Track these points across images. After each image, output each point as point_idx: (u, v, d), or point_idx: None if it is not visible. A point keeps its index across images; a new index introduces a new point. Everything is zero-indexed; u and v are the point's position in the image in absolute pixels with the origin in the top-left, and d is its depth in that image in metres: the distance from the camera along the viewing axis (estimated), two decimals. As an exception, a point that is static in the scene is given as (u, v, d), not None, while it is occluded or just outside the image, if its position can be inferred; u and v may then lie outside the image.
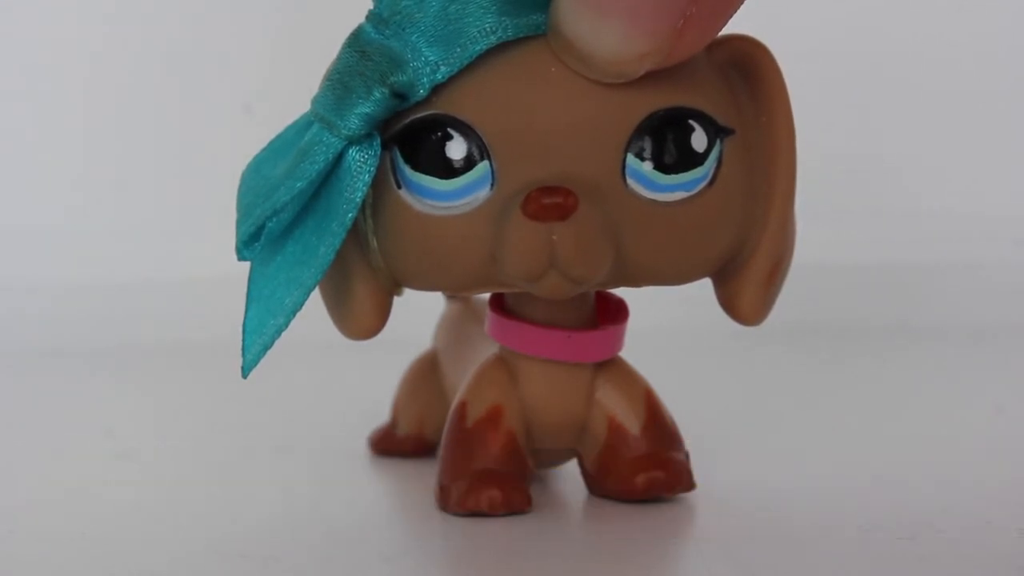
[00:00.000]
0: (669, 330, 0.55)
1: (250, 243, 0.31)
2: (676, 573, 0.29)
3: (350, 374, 0.47)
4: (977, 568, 0.28)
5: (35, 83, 0.72)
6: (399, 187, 0.30)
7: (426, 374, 0.40)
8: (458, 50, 0.29)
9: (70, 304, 0.66)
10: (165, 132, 0.72)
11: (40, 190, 0.71)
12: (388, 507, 0.36)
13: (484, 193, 0.29)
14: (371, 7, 0.29)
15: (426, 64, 0.29)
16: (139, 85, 0.72)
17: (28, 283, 0.67)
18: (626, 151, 0.29)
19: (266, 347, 0.30)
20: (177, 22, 0.72)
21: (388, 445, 0.40)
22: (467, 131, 0.29)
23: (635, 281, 0.30)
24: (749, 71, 0.31)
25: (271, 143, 0.31)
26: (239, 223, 0.31)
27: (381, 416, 0.41)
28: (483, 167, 0.29)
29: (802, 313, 0.65)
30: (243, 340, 0.31)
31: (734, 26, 0.30)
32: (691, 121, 0.29)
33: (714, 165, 0.29)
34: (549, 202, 0.28)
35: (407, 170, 0.29)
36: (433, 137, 0.29)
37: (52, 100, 0.72)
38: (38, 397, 0.53)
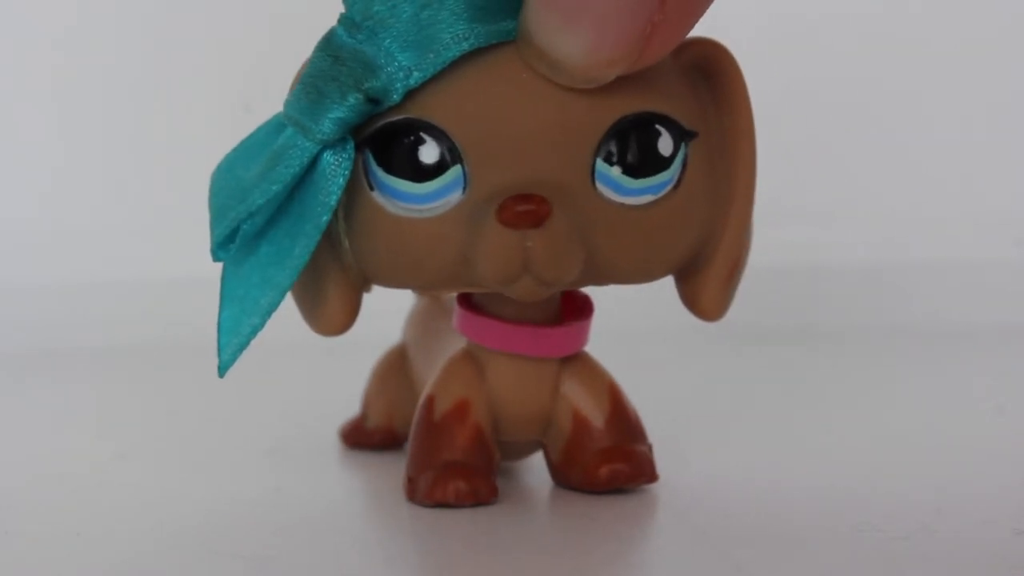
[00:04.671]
0: (636, 327, 0.56)
1: (225, 244, 0.31)
2: (638, 561, 0.29)
3: (338, 374, 0.47)
4: (972, 568, 0.28)
5: (32, 84, 0.72)
6: (372, 189, 0.30)
7: (395, 367, 0.41)
8: (431, 56, 0.29)
9: (66, 304, 0.67)
10: (165, 131, 0.72)
11: (38, 190, 0.72)
12: (363, 501, 0.36)
13: (456, 196, 0.30)
14: (343, 11, 0.30)
15: (399, 69, 0.29)
16: (138, 85, 0.72)
17: (24, 283, 0.67)
18: (595, 156, 0.29)
19: (242, 347, 0.31)
20: (177, 21, 0.72)
21: (358, 437, 0.41)
22: (439, 135, 0.29)
23: (602, 280, 0.31)
24: (711, 73, 0.31)
25: (242, 143, 0.32)
26: (213, 224, 0.31)
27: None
28: (455, 171, 0.29)
29: (796, 314, 0.66)
30: (219, 340, 0.31)
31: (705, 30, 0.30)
32: (658, 126, 0.30)
33: (680, 168, 0.30)
34: (523, 209, 0.29)
35: (380, 173, 0.30)
36: (406, 141, 0.30)
37: (50, 100, 0.72)
38: (31, 398, 0.53)
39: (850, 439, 0.41)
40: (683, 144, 0.30)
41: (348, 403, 0.42)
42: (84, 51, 0.72)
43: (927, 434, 0.42)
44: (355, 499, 0.36)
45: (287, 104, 0.30)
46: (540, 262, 0.29)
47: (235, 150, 0.32)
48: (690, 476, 0.35)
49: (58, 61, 0.72)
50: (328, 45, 0.30)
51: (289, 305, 0.32)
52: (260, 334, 0.31)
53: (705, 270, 0.32)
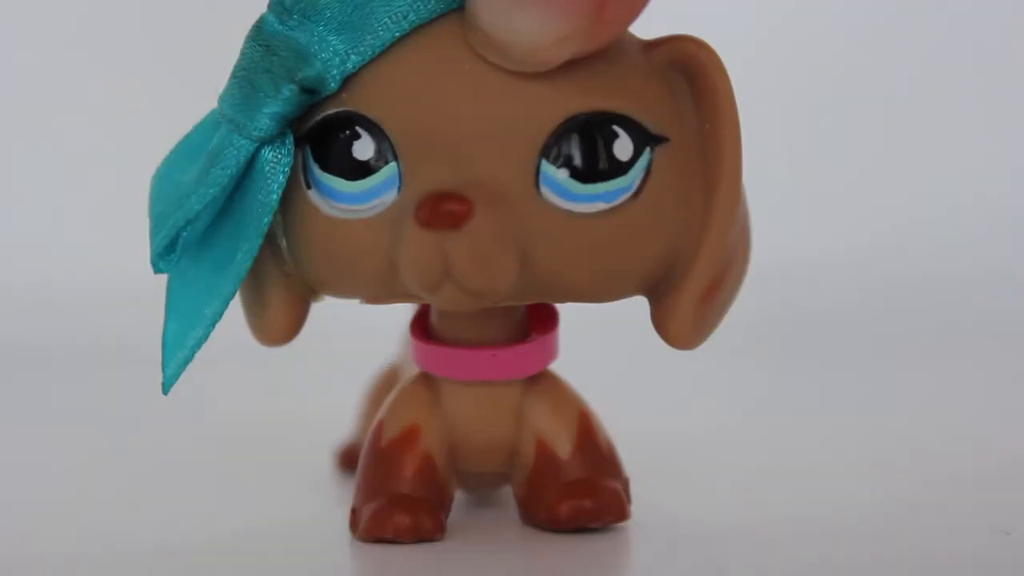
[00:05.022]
0: (615, 340, 0.52)
1: (165, 255, 0.30)
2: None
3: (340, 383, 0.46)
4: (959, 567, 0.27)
5: (33, 83, 0.72)
6: (308, 187, 0.28)
7: (387, 388, 0.37)
8: (369, 38, 0.27)
9: (68, 304, 0.66)
10: (166, 131, 0.71)
11: (38, 190, 0.71)
12: (307, 532, 0.33)
13: (391, 197, 0.28)
14: None
15: (335, 55, 0.27)
16: (140, 84, 0.72)
17: (26, 282, 0.66)
18: (540, 156, 0.27)
19: (187, 360, 0.29)
20: (177, 21, 0.72)
21: (352, 462, 0.38)
22: (375, 130, 0.27)
23: (552, 296, 0.29)
24: (692, 74, 0.28)
25: (178, 145, 0.30)
26: (152, 234, 0.30)
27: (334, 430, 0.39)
28: (390, 169, 0.27)
29: (795, 314, 0.64)
30: (163, 354, 0.30)
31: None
32: (615, 127, 0.27)
33: (640, 175, 0.27)
34: (441, 209, 0.26)
35: (316, 170, 0.28)
36: (341, 136, 0.28)
37: (49, 99, 0.72)
38: (25, 399, 0.52)
39: (846, 450, 0.40)
40: (647, 149, 0.27)
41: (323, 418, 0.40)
42: (85, 50, 0.72)
43: (928, 436, 0.41)
44: (300, 530, 0.33)
45: (221, 100, 0.29)
46: (460, 268, 0.26)
47: (172, 152, 0.31)
48: (668, 514, 0.32)
49: (59, 61, 0.72)
50: (259, 34, 0.28)
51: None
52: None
53: (675, 291, 0.29)
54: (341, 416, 0.40)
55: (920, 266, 0.68)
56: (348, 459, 0.38)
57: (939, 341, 0.60)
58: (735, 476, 0.37)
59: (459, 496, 0.32)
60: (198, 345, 0.29)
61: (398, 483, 0.30)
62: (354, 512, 0.30)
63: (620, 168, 0.27)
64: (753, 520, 0.32)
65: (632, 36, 0.28)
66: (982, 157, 0.72)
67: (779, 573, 0.28)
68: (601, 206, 0.27)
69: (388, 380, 0.38)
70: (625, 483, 0.31)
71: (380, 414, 0.31)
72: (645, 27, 0.28)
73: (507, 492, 0.33)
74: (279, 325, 0.30)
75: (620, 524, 0.30)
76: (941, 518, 0.32)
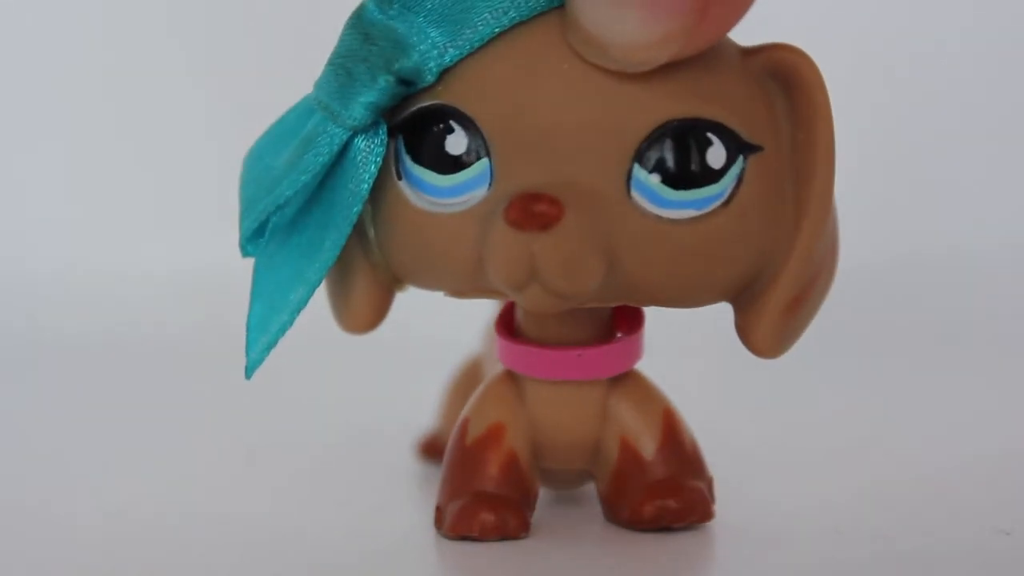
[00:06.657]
0: (697, 341, 0.52)
1: (254, 239, 0.30)
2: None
3: (391, 376, 0.45)
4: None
5: (38, 80, 0.72)
6: (400, 178, 0.28)
7: (469, 381, 0.38)
8: (468, 32, 0.27)
9: (88, 298, 0.65)
10: (169, 129, 0.72)
11: (43, 187, 0.71)
12: (393, 528, 0.33)
13: (481, 192, 0.28)
14: None
15: (433, 47, 0.27)
16: (145, 82, 0.72)
17: (42, 276, 0.66)
18: (633, 160, 0.27)
19: (270, 345, 0.30)
20: (184, 20, 0.72)
21: (434, 452, 0.38)
22: (469, 125, 0.27)
23: (636, 300, 0.28)
24: (789, 83, 0.28)
25: (272, 128, 0.31)
26: (242, 217, 0.30)
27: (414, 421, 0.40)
28: (482, 164, 0.27)
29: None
30: (247, 338, 0.30)
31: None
32: (710, 134, 0.27)
33: (732, 183, 0.27)
34: (531, 210, 0.26)
35: (408, 161, 0.28)
36: (435, 129, 0.28)
37: (55, 94, 0.72)
38: (51, 393, 0.51)
39: (843, 449, 0.39)
40: (740, 157, 0.27)
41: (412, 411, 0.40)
42: (95, 44, 0.72)
43: (933, 434, 0.41)
44: (384, 524, 0.33)
45: (317, 87, 0.29)
46: (547, 270, 0.26)
47: (264, 136, 0.31)
48: (753, 514, 0.32)
49: (59, 58, 0.72)
50: (359, 22, 0.28)
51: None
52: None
53: (761, 300, 0.28)
54: (421, 406, 0.40)
55: (927, 268, 0.68)
56: (429, 450, 0.39)
57: (939, 340, 0.59)
58: (820, 477, 0.37)
59: (543, 493, 0.32)
60: (283, 331, 0.29)
61: (483, 481, 0.30)
62: (439, 509, 0.31)
63: (712, 176, 0.27)
64: (840, 519, 0.32)
65: (730, 42, 0.28)
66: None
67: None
68: (691, 213, 0.27)
69: (470, 372, 0.39)
70: (709, 483, 0.31)
71: (465, 411, 0.31)
72: (745, 33, 0.28)
73: (589, 489, 0.33)
74: (363, 313, 0.30)
75: (704, 524, 0.30)
76: (941, 518, 0.31)
